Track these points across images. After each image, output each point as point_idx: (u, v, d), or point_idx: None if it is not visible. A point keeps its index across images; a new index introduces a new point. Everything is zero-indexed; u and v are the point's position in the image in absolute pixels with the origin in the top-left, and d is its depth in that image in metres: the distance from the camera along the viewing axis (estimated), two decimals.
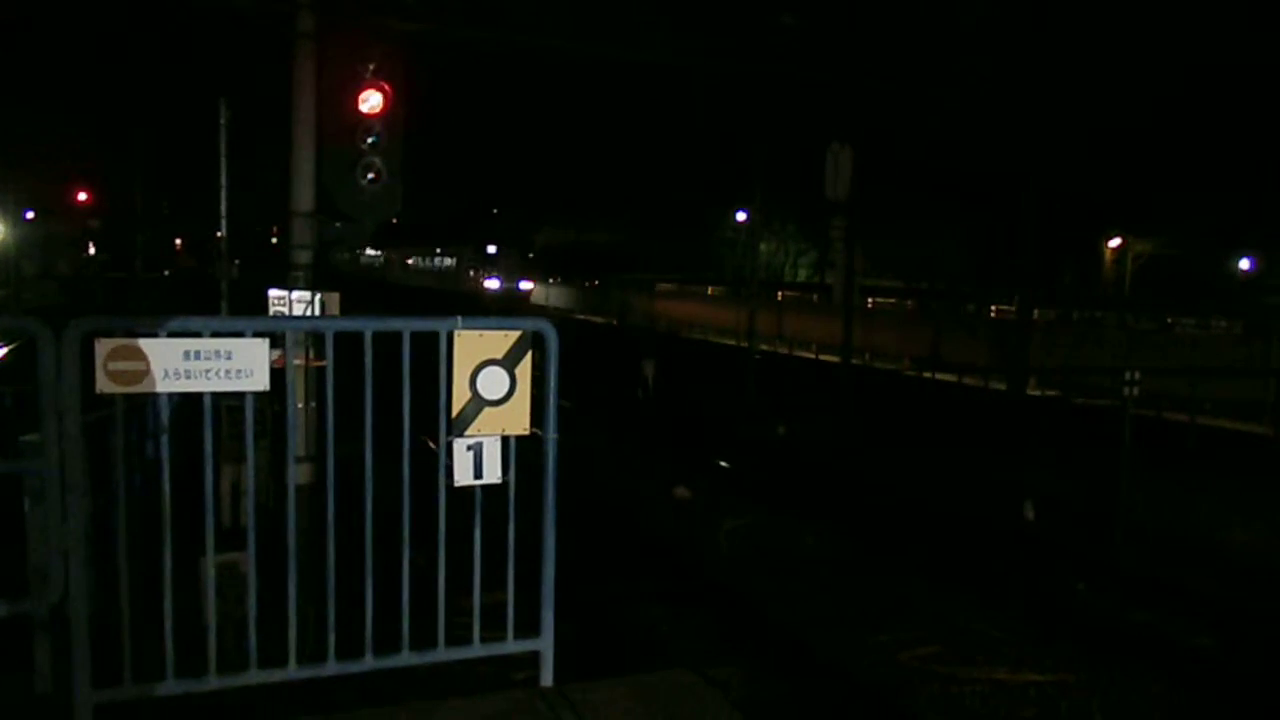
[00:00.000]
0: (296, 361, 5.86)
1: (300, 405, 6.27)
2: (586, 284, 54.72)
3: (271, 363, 3.33)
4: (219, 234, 11.22)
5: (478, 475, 3.53)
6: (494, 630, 3.74)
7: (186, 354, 3.14)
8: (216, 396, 3.35)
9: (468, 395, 3.47)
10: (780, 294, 43.22)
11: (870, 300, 36.34)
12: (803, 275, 56.15)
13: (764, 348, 27.56)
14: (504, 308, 40.32)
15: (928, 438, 15.96)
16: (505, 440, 3.56)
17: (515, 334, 3.51)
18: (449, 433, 3.48)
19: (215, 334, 3.20)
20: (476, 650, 3.72)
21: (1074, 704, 6.78)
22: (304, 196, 7.13)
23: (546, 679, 3.71)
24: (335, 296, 6.99)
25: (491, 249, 46.15)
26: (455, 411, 3.47)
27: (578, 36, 12.84)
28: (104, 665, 3.19)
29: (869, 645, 7.71)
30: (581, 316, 48.98)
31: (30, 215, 45.95)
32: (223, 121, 8.97)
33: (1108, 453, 10.77)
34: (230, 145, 9.35)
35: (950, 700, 6.84)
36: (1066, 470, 12.72)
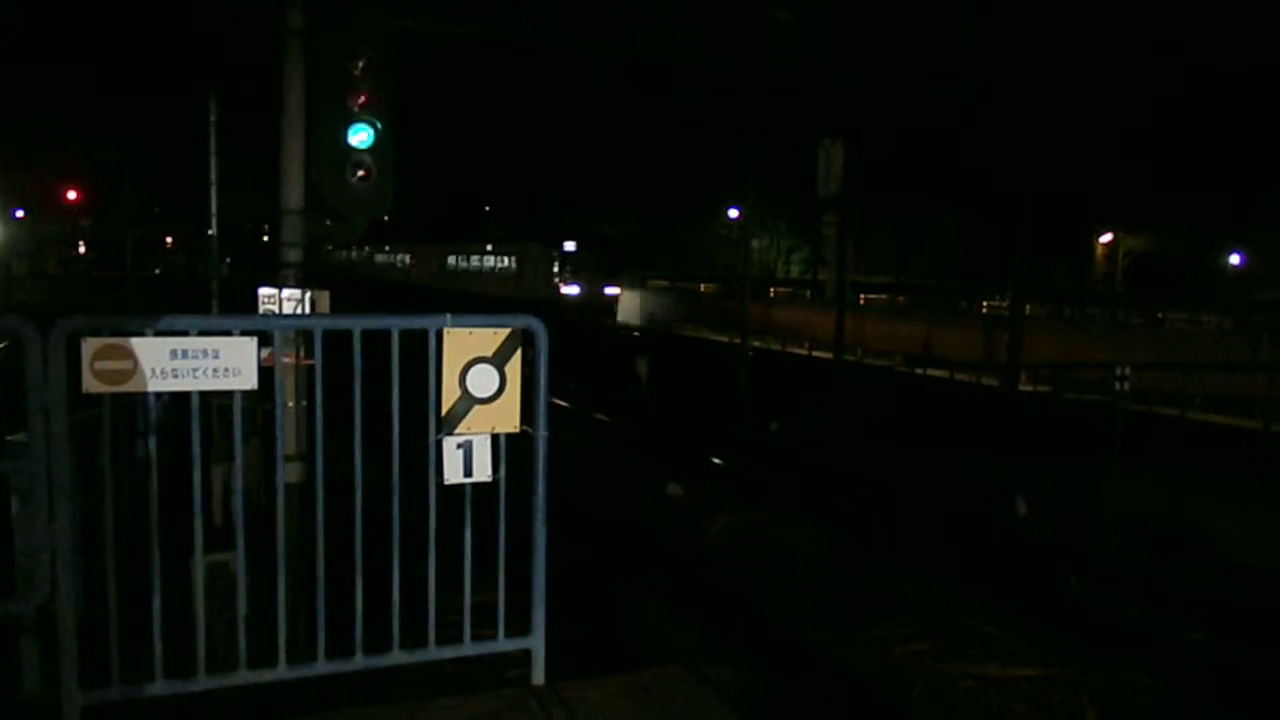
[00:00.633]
0: (286, 360, 5.84)
1: (290, 404, 6.24)
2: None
3: (261, 361, 3.32)
4: (210, 232, 11.19)
5: (468, 473, 3.52)
6: (486, 629, 3.73)
7: (173, 353, 3.13)
8: (207, 395, 3.33)
9: (458, 393, 3.46)
10: (772, 290, 43.21)
11: (862, 297, 36.40)
12: (795, 272, 56.13)
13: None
14: (588, 320, 32.91)
15: (919, 433, 15.98)
16: (495, 438, 3.55)
17: (505, 331, 3.50)
18: (439, 431, 3.47)
19: (203, 333, 3.18)
20: (467, 649, 3.72)
21: (1065, 698, 6.80)
22: (293, 194, 7.11)
23: (538, 677, 3.71)
24: (325, 295, 6.96)
25: (570, 245, 35.35)
26: (445, 409, 3.46)
27: (569, 31, 12.82)
28: (92, 666, 3.17)
29: (861, 640, 7.72)
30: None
31: (20, 214, 45.75)
32: (212, 119, 8.94)
33: (1099, 448, 10.79)
34: (220, 142, 9.31)
35: (942, 695, 6.86)
36: (1058, 465, 12.74)
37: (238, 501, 3.46)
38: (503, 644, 3.75)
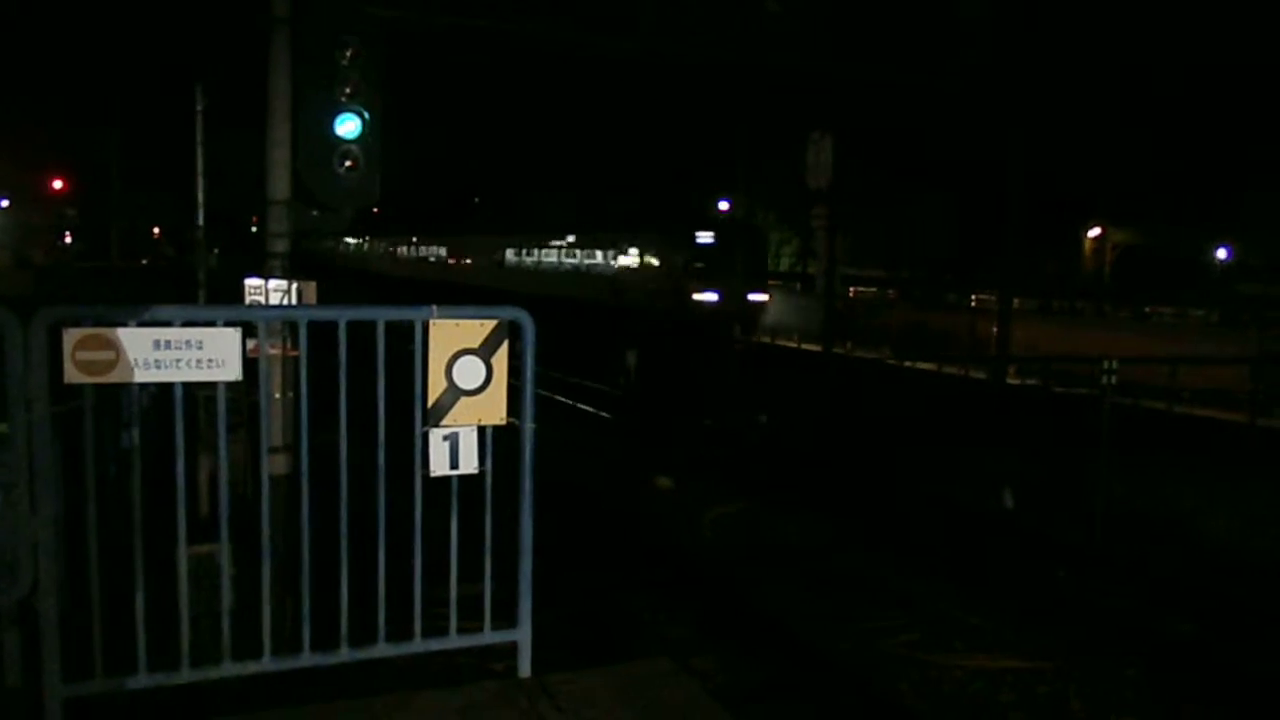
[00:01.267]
0: (272, 351, 5.80)
1: (276, 395, 6.21)
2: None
3: (247, 352, 3.29)
4: (199, 222, 11.14)
5: (454, 465, 3.51)
6: (473, 621, 3.73)
7: (156, 343, 3.10)
8: (193, 386, 3.31)
9: (444, 385, 3.44)
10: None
11: (852, 290, 36.39)
12: (785, 265, 56.09)
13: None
14: (724, 336, 24.57)
15: (908, 426, 16.01)
16: (482, 430, 3.53)
17: (491, 323, 3.49)
18: (425, 423, 3.45)
19: (186, 323, 3.16)
20: (453, 641, 3.71)
21: (1052, 690, 6.83)
22: (280, 184, 7.05)
23: (524, 669, 3.70)
24: (312, 285, 6.92)
25: (705, 237, 25.34)
26: (431, 401, 3.44)
27: (559, 24, 12.78)
28: (75, 658, 3.15)
29: (850, 632, 7.73)
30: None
31: (5, 204, 45.42)
32: (199, 108, 8.89)
33: (1087, 441, 10.83)
34: (207, 132, 9.26)
35: (930, 686, 6.88)
36: (1046, 458, 12.79)
37: (223, 493, 3.43)
38: (489, 636, 3.74)
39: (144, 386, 3.29)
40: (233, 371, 3.22)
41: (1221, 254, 40.79)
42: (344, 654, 3.51)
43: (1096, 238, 45.25)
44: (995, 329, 20.94)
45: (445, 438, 3.48)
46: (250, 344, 3.40)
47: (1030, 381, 20.33)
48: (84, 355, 3.02)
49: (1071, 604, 8.40)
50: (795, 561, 9.51)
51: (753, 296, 25.66)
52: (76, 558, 3.32)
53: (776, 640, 7.47)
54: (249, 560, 3.53)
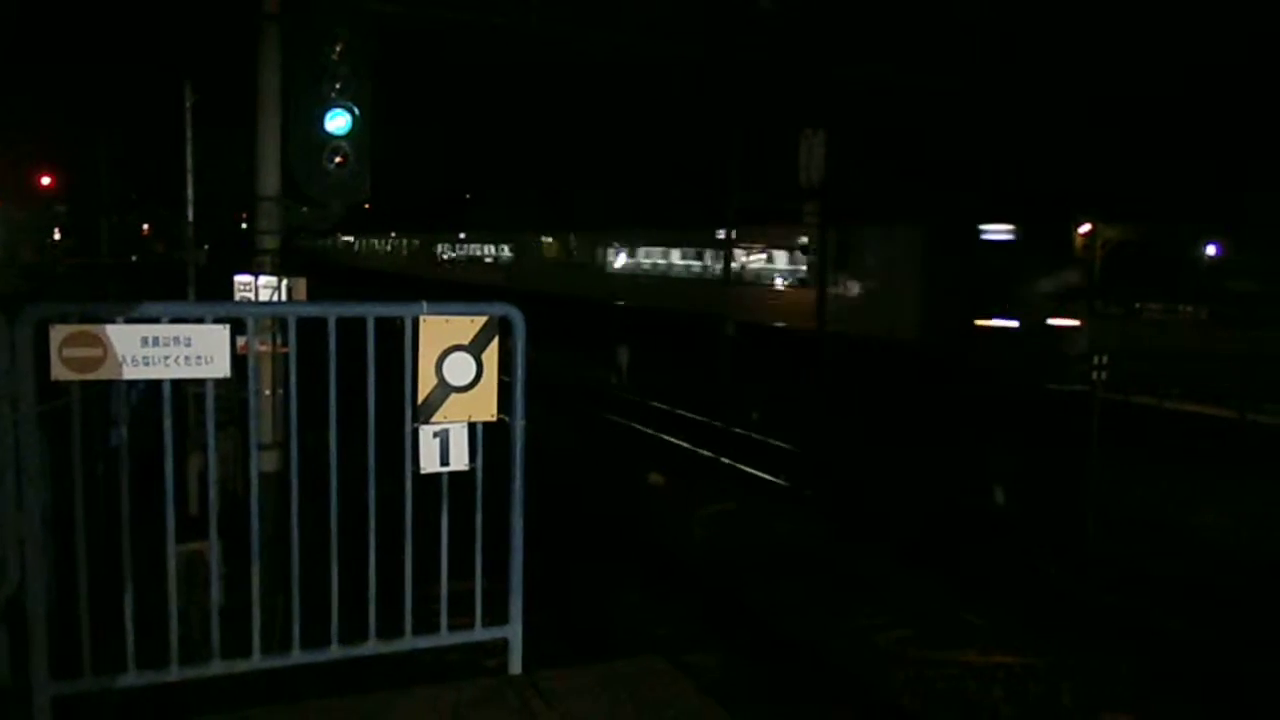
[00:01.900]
0: (262, 348, 5.79)
1: (267, 392, 6.19)
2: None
3: (236, 349, 3.28)
4: (190, 219, 11.09)
5: (444, 462, 3.49)
6: (464, 618, 3.71)
7: (144, 340, 3.08)
8: (184, 383, 3.29)
9: (434, 381, 3.43)
10: None
11: None
12: None
13: None
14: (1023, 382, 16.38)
15: (900, 423, 16.02)
16: (472, 427, 3.52)
17: (482, 319, 3.47)
18: (415, 419, 3.44)
19: (174, 320, 3.14)
20: (444, 638, 3.69)
21: (1044, 685, 6.85)
22: (270, 181, 7.04)
23: (515, 666, 3.69)
24: (302, 282, 6.90)
25: (1002, 231, 18.02)
26: (421, 398, 3.43)
27: (551, 18, 12.74)
28: (63, 656, 3.13)
29: (843, 629, 7.75)
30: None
31: None
32: (188, 104, 8.85)
33: (1077, 437, 10.85)
34: (197, 129, 9.22)
35: (923, 682, 6.90)
36: (1037, 454, 12.82)
37: (212, 491, 3.42)
38: (480, 633, 3.73)
39: (132, 384, 3.26)
40: (221, 369, 3.21)
41: (1211, 250, 40.97)
42: (334, 651, 3.50)
43: (1086, 234, 45.38)
44: None
45: (435, 434, 3.47)
46: (240, 341, 3.38)
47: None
48: (71, 352, 2.99)
49: (1063, 600, 8.43)
50: (787, 557, 9.52)
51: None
52: (65, 555, 3.30)
53: (769, 636, 7.49)
54: (239, 557, 3.51)
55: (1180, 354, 17.78)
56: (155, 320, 3.11)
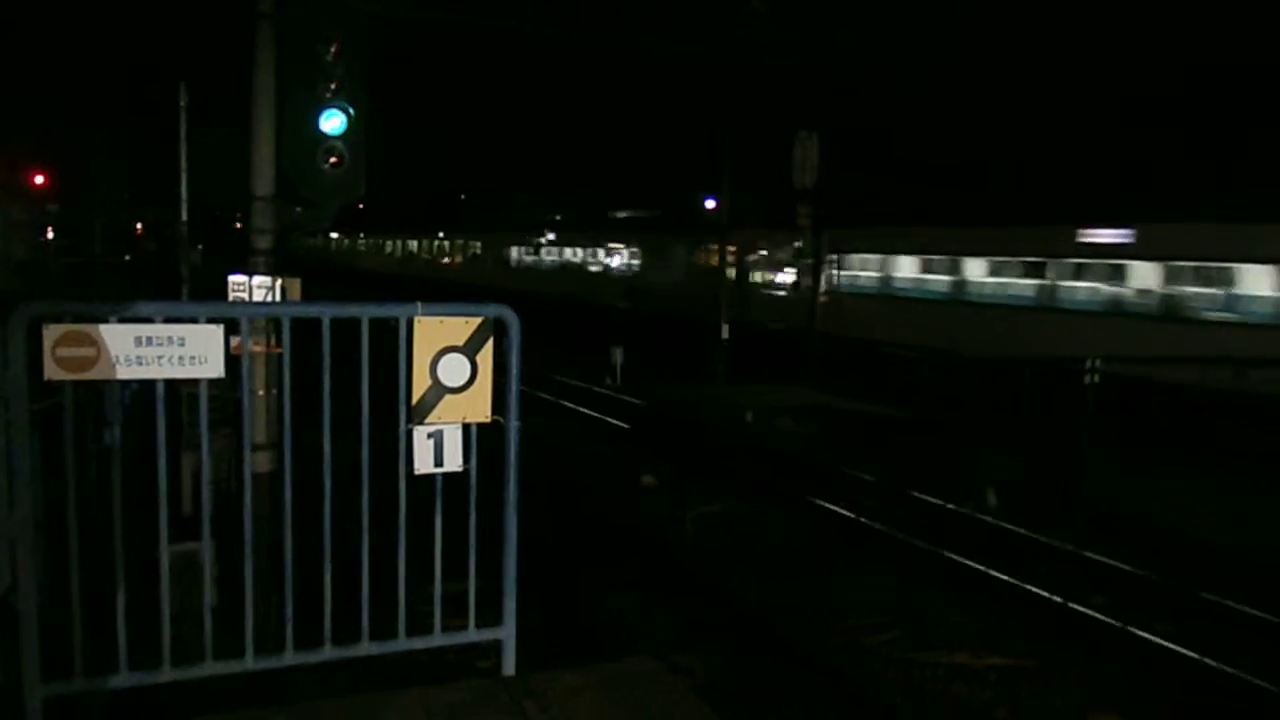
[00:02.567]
0: (256, 348, 5.77)
1: (260, 392, 6.17)
2: None
3: (231, 349, 3.27)
4: (183, 218, 11.07)
5: (438, 463, 3.49)
6: (458, 619, 3.71)
7: (138, 340, 3.07)
8: (178, 383, 3.29)
9: (428, 382, 3.43)
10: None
11: None
12: None
13: None
14: None
15: (894, 422, 16.05)
16: (466, 428, 3.52)
17: (476, 320, 3.47)
18: (409, 420, 3.44)
19: (168, 320, 3.13)
20: (438, 639, 3.70)
21: (1034, 688, 6.86)
22: (264, 180, 7.02)
23: (509, 667, 3.69)
24: (296, 282, 6.89)
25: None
26: (415, 399, 3.43)
27: (545, 19, 12.74)
28: (55, 657, 3.12)
29: (834, 631, 7.75)
30: None
31: None
32: (182, 104, 8.83)
33: (1070, 437, 10.87)
34: (191, 128, 9.20)
35: (912, 684, 6.90)
36: (1029, 455, 12.83)
37: (205, 491, 3.41)
38: (474, 634, 3.73)
39: (126, 384, 3.26)
40: (215, 369, 3.20)
41: None
42: (328, 652, 3.50)
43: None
44: None
45: (429, 435, 3.47)
46: (233, 341, 3.38)
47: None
48: (64, 352, 2.99)
49: (1053, 601, 8.44)
50: (778, 559, 9.53)
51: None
52: (57, 556, 3.30)
53: (761, 637, 7.49)
54: (232, 558, 3.51)
55: None
56: (149, 320, 3.10)
